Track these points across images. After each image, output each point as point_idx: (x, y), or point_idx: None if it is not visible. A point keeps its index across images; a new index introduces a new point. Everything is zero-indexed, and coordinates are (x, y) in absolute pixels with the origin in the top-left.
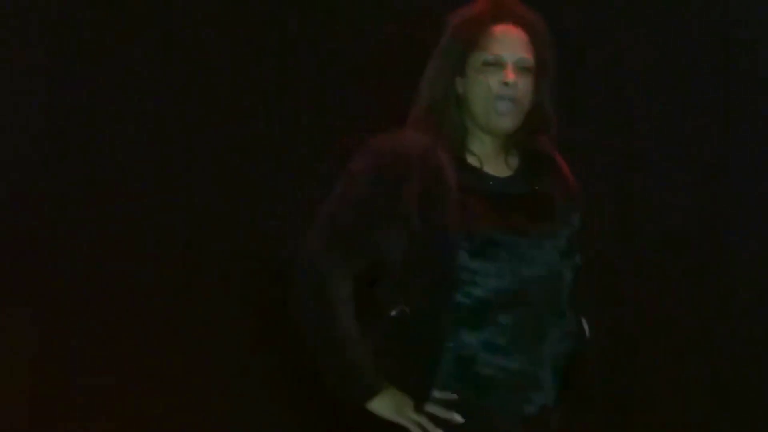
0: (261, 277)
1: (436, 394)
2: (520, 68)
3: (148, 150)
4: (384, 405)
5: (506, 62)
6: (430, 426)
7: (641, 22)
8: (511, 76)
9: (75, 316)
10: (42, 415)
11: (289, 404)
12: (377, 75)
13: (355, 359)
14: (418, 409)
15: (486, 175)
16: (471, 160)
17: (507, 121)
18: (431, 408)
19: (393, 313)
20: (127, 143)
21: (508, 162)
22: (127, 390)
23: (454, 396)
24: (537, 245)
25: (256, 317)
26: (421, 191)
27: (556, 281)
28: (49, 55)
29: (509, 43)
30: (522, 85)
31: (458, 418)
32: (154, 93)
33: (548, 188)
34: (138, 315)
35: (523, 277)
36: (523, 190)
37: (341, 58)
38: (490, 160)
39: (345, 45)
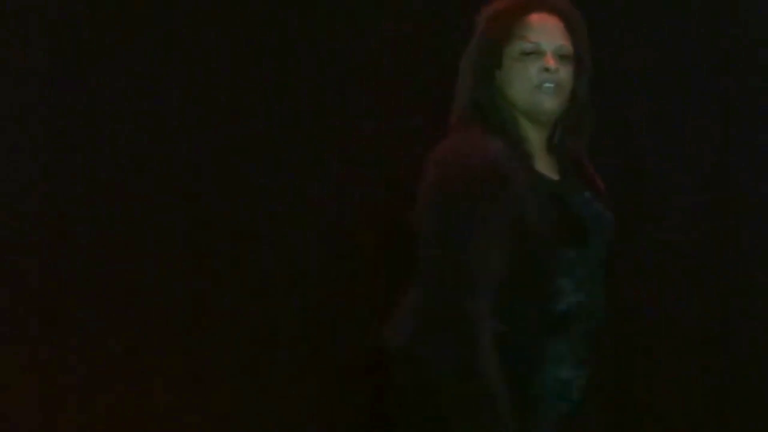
0: (261, 276)
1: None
2: (560, 56)
3: (147, 149)
4: None
5: (545, 50)
6: None
7: (640, 21)
8: (551, 61)
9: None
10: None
11: (288, 404)
12: (378, 75)
13: (504, 415)
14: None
15: (550, 181)
16: (539, 165)
17: (551, 100)
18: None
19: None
20: (126, 143)
21: (553, 163)
22: (127, 390)
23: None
24: (596, 256)
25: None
26: (519, 204)
27: (602, 288)
28: (49, 55)
29: (547, 31)
30: (563, 73)
31: None
32: (154, 93)
33: (593, 195)
34: (138, 315)
35: (591, 289)
36: (578, 199)
37: (341, 59)
38: (540, 160)
39: (345, 45)
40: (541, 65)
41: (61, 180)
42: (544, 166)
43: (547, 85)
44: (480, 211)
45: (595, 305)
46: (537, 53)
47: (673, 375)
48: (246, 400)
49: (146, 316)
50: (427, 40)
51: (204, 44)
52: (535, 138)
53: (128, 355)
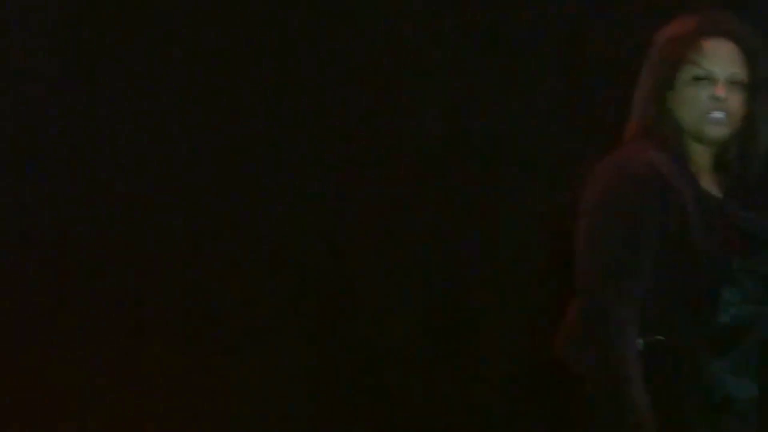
0: (261, 276)
1: None
2: (732, 83)
3: (148, 149)
4: None
5: (717, 77)
6: None
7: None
8: (721, 91)
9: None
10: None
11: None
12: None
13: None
14: None
15: (713, 197)
16: (703, 182)
17: (719, 129)
18: None
19: (641, 341)
20: (127, 143)
21: (719, 181)
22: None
23: None
24: (760, 271)
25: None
26: (680, 214)
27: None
28: (49, 55)
29: (720, 58)
30: (733, 101)
31: None
32: (154, 93)
33: (758, 213)
34: (139, 316)
35: (763, 301)
36: (743, 215)
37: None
38: (704, 177)
39: (345, 45)
40: (711, 93)
41: (61, 178)
42: (708, 184)
43: (716, 115)
44: (635, 218)
45: (766, 318)
46: (709, 80)
47: None
48: (249, 402)
49: (147, 316)
50: (426, 40)
51: (204, 44)
52: (701, 157)
53: (129, 356)
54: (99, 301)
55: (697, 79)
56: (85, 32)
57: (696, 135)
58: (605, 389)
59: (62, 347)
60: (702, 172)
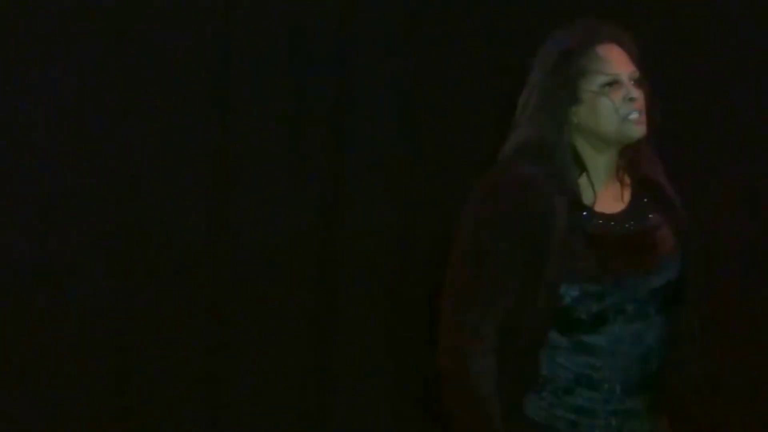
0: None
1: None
2: (634, 81)
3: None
4: None
5: (623, 79)
6: None
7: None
8: (634, 91)
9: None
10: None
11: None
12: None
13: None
14: None
15: (595, 212)
16: (586, 196)
17: (640, 129)
18: None
19: None
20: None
21: (623, 194)
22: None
23: None
24: (632, 294)
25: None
26: (531, 235)
27: (645, 335)
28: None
29: (617, 61)
30: (641, 99)
31: None
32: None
33: (657, 222)
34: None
35: (634, 320)
36: (631, 229)
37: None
38: (606, 191)
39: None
40: (624, 95)
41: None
42: (609, 197)
43: (634, 115)
44: (497, 235)
45: (639, 337)
46: (616, 84)
47: None
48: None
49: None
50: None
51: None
52: (603, 167)
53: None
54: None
55: (605, 85)
56: (83, 31)
57: (617, 140)
58: (456, 392)
59: (59, 346)
60: (604, 183)
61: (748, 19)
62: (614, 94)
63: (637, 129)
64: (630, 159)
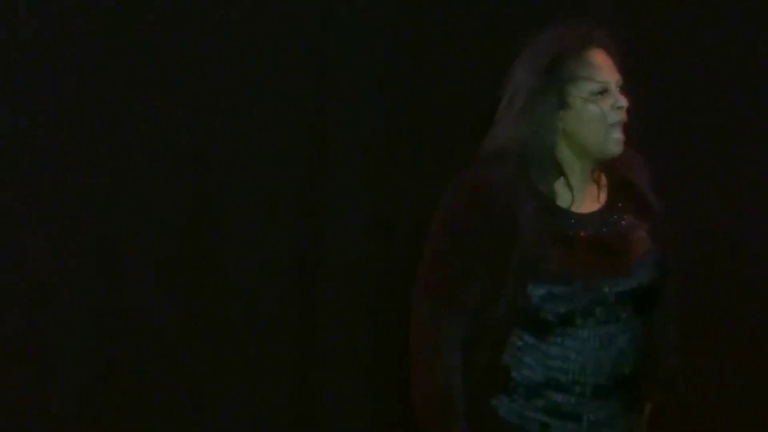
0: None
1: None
2: (620, 88)
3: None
4: None
5: (611, 87)
6: None
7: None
8: (622, 99)
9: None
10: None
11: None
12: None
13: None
14: None
15: (568, 214)
16: (561, 198)
17: (620, 148)
18: None
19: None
20: (127, 142)
21: (599, 195)
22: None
23: None
24: (600, 297)
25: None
26: (494, 236)
27: (617, 338)
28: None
29: (606, 68)
30: (626, 105)
31: None
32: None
33: (631, 224)
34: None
35: (604, 324)
36: (603, 229)
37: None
38: (581, 194)
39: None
40: (611, 103)
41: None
42: (585, 199)
43: (617, 134)
44: (460, 234)
45: (610, 340)
46: (606, 91)
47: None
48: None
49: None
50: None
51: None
52: (580, 170)
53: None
54: (100, 302)
55: (595, 93)
56: (83, 30)
57: (600, 151)
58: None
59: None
60: (585, 185)
61: (748, 19)
62: (603, 102)
63: (617, 148)
64: (607, 161)
